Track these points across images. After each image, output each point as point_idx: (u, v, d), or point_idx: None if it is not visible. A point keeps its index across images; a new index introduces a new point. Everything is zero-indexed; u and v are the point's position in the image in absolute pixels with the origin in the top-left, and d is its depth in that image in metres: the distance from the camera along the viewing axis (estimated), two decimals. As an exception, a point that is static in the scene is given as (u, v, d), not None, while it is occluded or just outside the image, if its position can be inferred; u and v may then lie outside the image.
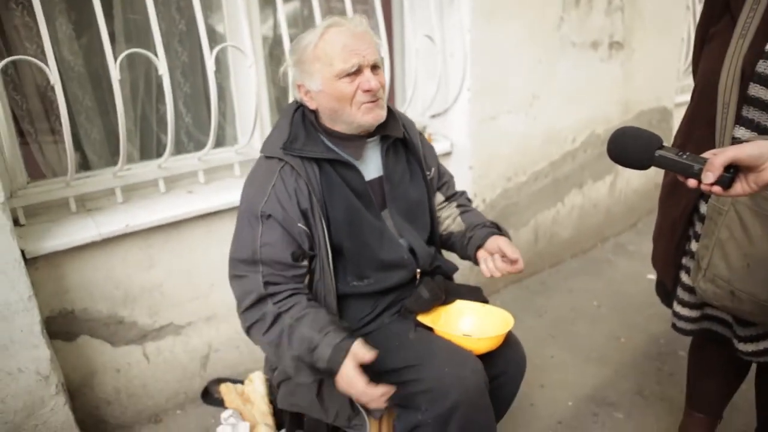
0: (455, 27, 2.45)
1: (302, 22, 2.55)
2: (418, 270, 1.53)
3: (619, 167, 3.47)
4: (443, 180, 1.69)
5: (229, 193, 2.04)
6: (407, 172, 1.56)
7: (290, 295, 1.36)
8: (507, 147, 2.76)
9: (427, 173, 1.60)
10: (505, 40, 2.57)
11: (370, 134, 1.46)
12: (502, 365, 1.49)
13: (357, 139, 1.44)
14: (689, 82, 4.35)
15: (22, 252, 1.61)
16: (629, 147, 1.10)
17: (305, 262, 1.41)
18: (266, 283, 1.35)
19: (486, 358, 1.43)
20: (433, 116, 2.66)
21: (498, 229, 1.57)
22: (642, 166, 1.10)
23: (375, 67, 1.38)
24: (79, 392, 1.89)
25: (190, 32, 2.23)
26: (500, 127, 2.69)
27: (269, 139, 1.46)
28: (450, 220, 1.68)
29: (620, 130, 1.13)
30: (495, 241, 1.49)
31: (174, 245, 1.97)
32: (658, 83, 3.63)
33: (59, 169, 2.00)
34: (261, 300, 1.35)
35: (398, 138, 1.53)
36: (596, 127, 3.22)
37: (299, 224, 1.36)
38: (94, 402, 1.93)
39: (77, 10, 1.97)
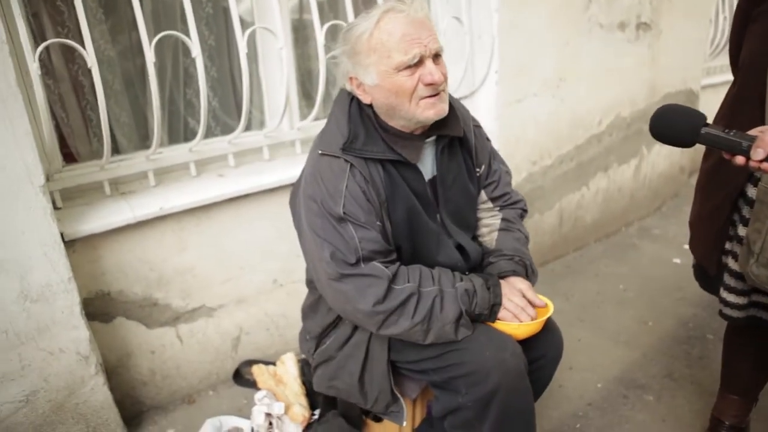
0: (483, 8, 2.42)
1: (327, 6, 2.53)
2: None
3: (644, 150, 3.44)
4: (491, 179, 1.59)
5: (259, 177, 2.05)
6: (460, 170, 1.48)
7: (404, 268, 1.34)
8: (533, 130, 2.74)
9: (477, 170, 1.53)
10: (532, 21, 2.54)
11: (427, 133, 1.39)
12: (542, 348, 1.48)
13: (416, 139, 1.36)
14: (715, 63, 4.31)
15: (61, 234, 1.63)
16: (674, 125, 1.09)
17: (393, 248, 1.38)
18: (386, 268, 1.30)
19: (525, 341, 1.42)
20: (460, 99, 2.63)
21: (524, 267, 1.50)
22: (686, 143, 1.09)
23: (436, 56, 1.28)
24: (115, 373, 1.92)
25: (216, 16, 2.22)
26: (527, 110, 2.67)
27: (326, 136, 1.37)
28: (486, 230, 1.59)
29: (664, 108, 1.11)
30: (515, 284, 1.44)
31: (205, 228, 1.98)
32: (685, 65, 3.57)
33: (91, 153, 2.01)
34: (391, 283, 1.29)
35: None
36: (622, 109, 3.18)
37: (377, 222, 1.32)
38: (131, 382, 1.96)
39: (106, -8, 1.97)
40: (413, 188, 1.38)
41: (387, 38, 1.23)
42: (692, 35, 3.54)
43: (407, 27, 1.23)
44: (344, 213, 1.28)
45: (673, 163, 3.78)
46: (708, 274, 1.62)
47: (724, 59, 4.37)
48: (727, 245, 1.51)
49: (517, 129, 2.66)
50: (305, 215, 1.35)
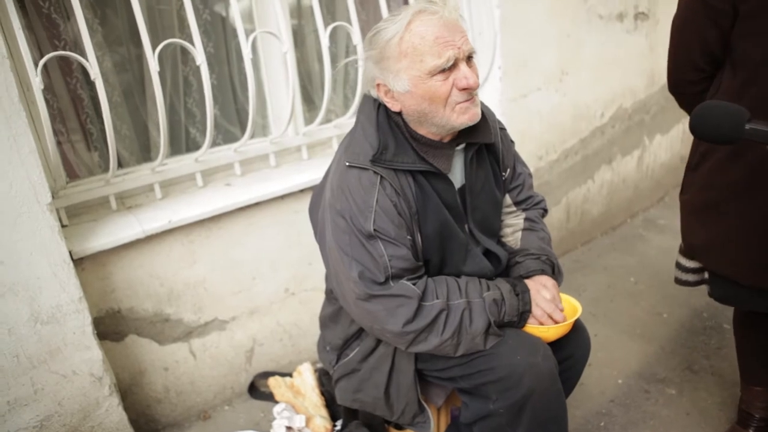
0: (484, 4, 2.39)
1: (325, 8, 2.48)
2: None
3: (646, 141, 3.43)
4: (516, 183, 1.55)
5: (267, 185, 2.00)
6: (488, 177, 1.43)
7: (431, 282, 1.30)
8: (538, 125, 2.71)
9: (503, 174, 1.48)
10: (533, 14, 2.51)
11: (457, 140, 1.33)
12: (570, 348, 1.46)
13: (447, 148, 1.30)
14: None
15: (70, 253, 1.58)
16: (718, 122, 1.05)
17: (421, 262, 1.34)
18: (414, 286, 1.27)
19: (554, 342, 1.40)
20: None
21: (551, 266, 1.47)
22: (731, 140, 1.05)
23: (469, 59, 1.21)
24: (129, 392, 1.87)
25: (214, 22, 2.18)
26: (531, 105, 2.64)
27: (353, 146, 1.29)
28: (510, 230, 1.56)
29: (705, 105, 1.08)
30: (540, 281, 1.42)
31: (215, 239, 1.94)
32: (682, 53, 3.55)
33: (93, 168, 1.96)
34: (420, 301, 1.26)
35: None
36: (624, 101, 3.16)
37: (408, 236, 1.28)
38: (145, 401, 1.92)
39: (101, 3, 1.92)
40: (444, 199, 1.33)
41: (419, 42, 1.17)
42: (688, 23, 3.52)
43: (440, 29, 1.17)
44: (375, 230, 1.22)
45: (674, 153, 3.77)
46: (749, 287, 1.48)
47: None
48: None
49: (522, 125, 2.63)
50: (332, 231, 1.29)
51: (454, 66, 1.19)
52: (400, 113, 1.29)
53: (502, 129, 1.51)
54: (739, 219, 1.43)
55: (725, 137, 1.05)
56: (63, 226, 1.71)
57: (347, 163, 1.27)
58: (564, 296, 1.47)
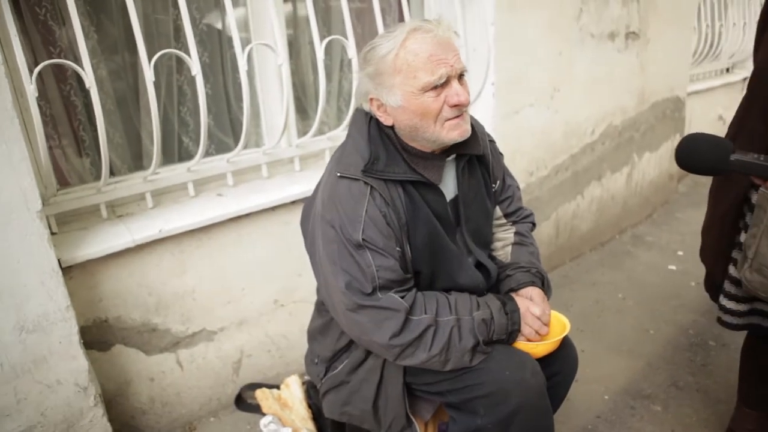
0: (478, 20, 2.42)
1: (321, 21, 2.50)
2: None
3: (635, 158, 3.48)
4: (506, 194, 1.58)
5: (259, 196, 2.00)
6: (479, 188, 1.45)
7: (420, 296, 1.31)
8: (529, 141, 2.74)
9: (493, 186, 1.51)
10: (527, 31, 2.54)
11: (447, 152, 1.35)
12: (557, 365, 1.46)
13: (437, 159, 1.32)
14: (699, 71, 4.38)
15: (58, 261, 1.57)
16: (703, 154, 1.08)
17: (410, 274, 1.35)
18: (402, 299, 1.27)
19: (542, 358, 1.40)
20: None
21: (540, 279, 1.49)
22: (717, 171, 1.08)
23: (461, 76, 1.25)
24: (114, 402, 1.85)
25: (210, 33, 2.18)
26: (523, 122, 2.67)
27: (345, 158, 1.32)
28: (500, 244, 1.57)
29: (690, 137, 1.11)
30: (529, 293, 1.44)
31: (205, 250, 1.93)
32: (672, 73, 3.62)
33: (84, 176, 1.95)
34: (408, 314, 1.26)
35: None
36: (613, 118, 3.21)
37: (397, 248, 1.28)
38: (130, 412, 1.89)
39: (97, 10, 1.92)
40: (434, 210, 1.34)
41: (413, 58, 1.20)
42: (677, 43, 3.59)
43: (434, 47, 1.20)
44: (363, 239, 1.23)
45: (663, 171, 3.82)
46: (716, 284, 1.61)
47: (708, 66, 4.45)
48: (734, 253, 1.51)
49: (514, 140, 2.66)
50: (321, 241, 1.30)
51: (446, 83, 1.22)
52: (392, 127, 1.31)
53: (491, 141, 1.54)
54: (713, 209, 1.54)
55: (711, 169, 1.07)
56: (52, 233, 1.70)
57: (338, 174, 1.29)
58: (553, 313, 1.48)
